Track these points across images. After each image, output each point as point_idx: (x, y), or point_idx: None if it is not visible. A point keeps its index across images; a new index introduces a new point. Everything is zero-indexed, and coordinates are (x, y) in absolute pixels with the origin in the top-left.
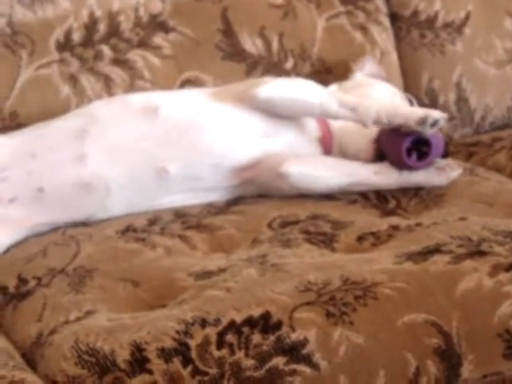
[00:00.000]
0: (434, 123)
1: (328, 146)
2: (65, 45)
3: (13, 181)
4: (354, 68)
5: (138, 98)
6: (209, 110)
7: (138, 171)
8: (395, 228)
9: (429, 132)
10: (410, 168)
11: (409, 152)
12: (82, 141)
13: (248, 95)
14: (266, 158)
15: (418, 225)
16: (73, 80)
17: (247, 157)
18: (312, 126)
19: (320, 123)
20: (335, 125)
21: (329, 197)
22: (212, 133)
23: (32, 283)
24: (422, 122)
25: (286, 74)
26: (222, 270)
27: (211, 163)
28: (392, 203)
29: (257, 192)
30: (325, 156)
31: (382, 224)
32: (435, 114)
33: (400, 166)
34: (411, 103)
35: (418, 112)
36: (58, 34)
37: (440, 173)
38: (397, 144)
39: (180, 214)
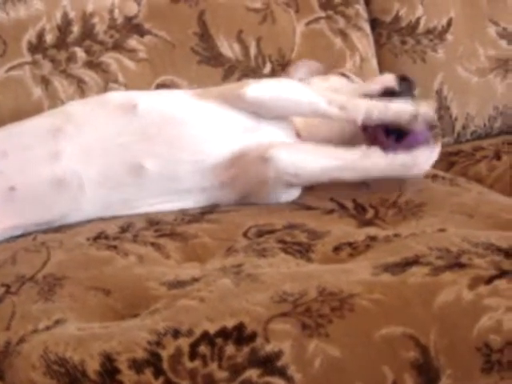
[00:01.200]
0: (425, 119)
1: None
2: (37, 46)
3: None
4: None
5: (116, 96)
6: (190, 107)
7: (113, 168)
8: (373, 238)
9: (420, 127)
10: (391, 149)
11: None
12: (57, 139)
13: (234, 94)
14: (249, 152)
15: (396, 235)
16: (45, 82)
17: (229, 154)
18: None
19: None
20: None
21: (305, 206)
22: (193, 128)
23: (0, 290)
24: (413, 119)
25: (262, 77)
26: (195, 280)
27: (191, 160)
28: (370, 213)
29: (235, 197)
30: (310, 142)
31: (360, 234)
32: (425, 109)
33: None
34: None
35: (408, 109)
36: (31, 35)
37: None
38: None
39: (153, 222)
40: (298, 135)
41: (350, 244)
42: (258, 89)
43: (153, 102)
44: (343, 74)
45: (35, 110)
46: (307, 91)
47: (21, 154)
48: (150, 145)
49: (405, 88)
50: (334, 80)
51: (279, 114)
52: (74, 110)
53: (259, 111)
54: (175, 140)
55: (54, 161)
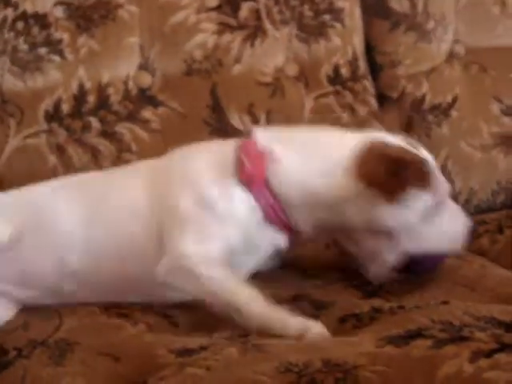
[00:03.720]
0: None
1: None
2: (53, 115)
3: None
4: None
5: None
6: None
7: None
8: (377, 310)
9: None
10: None
11: None
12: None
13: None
14: None
15: (400, 307)
16: (60, 150)
17: None
18: None
19: None
20: None
21: (311, 276)
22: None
23: (12, 354)
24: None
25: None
26: (203, 348)
27: None
28: (374, 284)
29: None
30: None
31: (364, 306)
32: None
33: None
34: None
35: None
36: (47, 104)
37: None
38: None
39: None
40: None
41: (354, 315)
42: (170, 276)
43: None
44: None
45: (49, 177)
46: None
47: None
48: None
49: None
50: None
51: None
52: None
53: None
54: None
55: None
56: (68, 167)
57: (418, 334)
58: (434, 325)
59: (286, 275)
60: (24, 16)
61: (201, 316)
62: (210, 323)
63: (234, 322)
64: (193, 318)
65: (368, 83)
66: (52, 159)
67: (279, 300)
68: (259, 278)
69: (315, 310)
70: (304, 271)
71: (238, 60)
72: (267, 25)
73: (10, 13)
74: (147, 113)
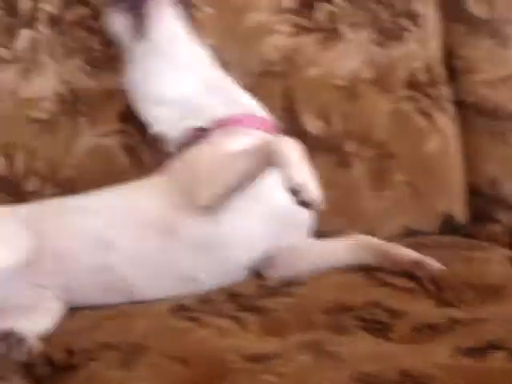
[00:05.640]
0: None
1: None
2: (127, 115)
3: (40, 274)
4: None
5: (152, 214)
6: (218, 224)
7: (166, 280)
8: (452, 320)
9: None
10: None
11: None
12: (106, 252)
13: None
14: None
15: (476, 319)
16: (132, 151)
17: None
18: None
19: None
20: None
21: (385, 283)
22: (234, 247)
23: (81, 357)
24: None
25: (345, 156)
26: (274, 354)
27: (241, 272)
28: (450, 294)
29: None
30: None
31: (440, 315)
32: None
33: None
34: None
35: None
36: (121, 104)
37: None
38: None
39: (233, 295)
40: None
41: (429, 325)
42: (209, 197)
43: (189, 225)
44: None
45: (122, 178)
46: (248, 166)
47: (73, 261)
48: (199, 261)
49: None
50: None
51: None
52: (116, 217)
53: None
54: (222, 259)
55: (105, 271)
56: (140, 168)
57: (495, 346)
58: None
59: (358, 281)
60: (99, 15)
61: (272, 319)
62: (282, 327)
63: (304, 326)
64: (264, 321)
65: (445, 89)
66: (124, 160)
67: (351, 306)
68: (333, 283)
69: (389, 318)
70: (377, 278)
71: (313, 63)
72: (343, 28)
73: (84, 11)
74: None
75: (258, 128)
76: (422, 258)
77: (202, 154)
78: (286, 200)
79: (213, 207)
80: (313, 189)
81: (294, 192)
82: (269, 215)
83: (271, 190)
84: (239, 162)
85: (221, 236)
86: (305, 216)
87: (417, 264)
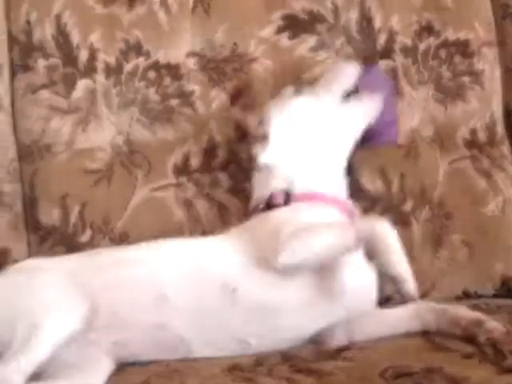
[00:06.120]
0: None
1: None
2: (182, 168)
3: (93, 331)
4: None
5: (214, 272)
6: (278, 289)
7: (219, 340)
8: None
9: None
10: None
11: None
12: (162, 308)
13: (273, 264)
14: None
15: None
16: (187, 205)
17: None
18: None
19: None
20: None
21: (444, 347)
22: (291, 314)
23: None
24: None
25: (404, 215)
26: None
27: (292, 338)
28: (510, 359)
29: None
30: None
31: (500, 382)
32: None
33: None
34: None
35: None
36: (176, 157)
37: None
38: None
39: (287, 357)
40: None
41: None
42: (289, 257)
43: (249, 288)
44: None
45: (175, 231)
46: (337, 235)
47: (128, 317)
48: (252, 326)
49: None
50: None
51: (315, 266)
52: (173, 272)
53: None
54: (276, 325)
55: (161, 329)
56: (195, 222)
57: None
58: None
59: (416, 346)
60: (156, 65)
61: (332, 381)
62: None
63: None
64: (319, 383)
65: (506, 148)
66: (179, 214)
67: (409, 372)
68: (390, 347)
69: None
70: (436, 343)
71: None
72: (404, 84)
73: (141, 62)
74: None
75: (340, 210)
76: (482, 317)
77: (287, 217)
78: (355, 279)
79: (286, 271)
80: (413, 282)
81: (396, 281)
82: (335, 294)
83: (343, 267)
84: (330, 235)
85: (278, 302)
86: (371, 297)
87: (477, 323)
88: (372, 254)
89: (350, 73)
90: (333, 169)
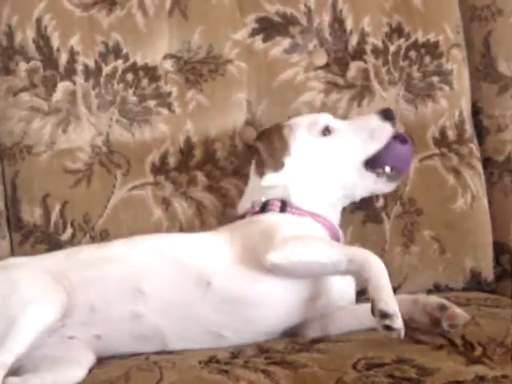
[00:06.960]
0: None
1: None
2: (160, 168)
3: (71, 326)
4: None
5: (192, 266)
6: (255, 285)
7: (194, 333)
8: (481, 378)
9: None
10: None
11: None
12: (138, 301)
13: (262, 260)
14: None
15: (504, 376)
16: (165, 203)
17: (301, 318)
18: None
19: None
20: None
21: (415, 340)
22: (264, 308)
23: None
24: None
25: (375, 211)
26: None
27: (266, 331)
28: (478, 351)
29: None
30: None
31: (468, 373)
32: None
33: None
34: None
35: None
36: (154, 156)
37: None
38: None
39: (263, 349)
40: None
41: (458, 383)
42: (280, 257)
43: (223, 281)
44: None
45: (154, 229)
46: (330, 252)
47: (105, 311)
48: (225, 319)
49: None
50: None
51: (303, 276)
52: (150, 266)
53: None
54: (249, 318)
55: (137, 320)
56: (173, 220)
57: None
58: None
59: (390, 339)
60: (134, 67)
61: (303, 374)
62: (313, 382)
63: (335, 382)
64: (295, 375)
65: (474, 146)
66: (157, 212)
67: (381, 363)
68: (362, 340)
69: (419, 375)
70: (407, 335)
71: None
72: (375, 85)
73: (120, 64)
74: None
75: (328, 233)
76: (447, 303)
77: (281, 221)
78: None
79: (271, 271)
80: (400, 318)
81: (382, 315)
82: (312, 291)
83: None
84: (324, 251)
85: (251, 295)
86: (352, 296)
87: (442, 308)
88: (362, 283)
89: (384, 135)
90: (331, 197)
